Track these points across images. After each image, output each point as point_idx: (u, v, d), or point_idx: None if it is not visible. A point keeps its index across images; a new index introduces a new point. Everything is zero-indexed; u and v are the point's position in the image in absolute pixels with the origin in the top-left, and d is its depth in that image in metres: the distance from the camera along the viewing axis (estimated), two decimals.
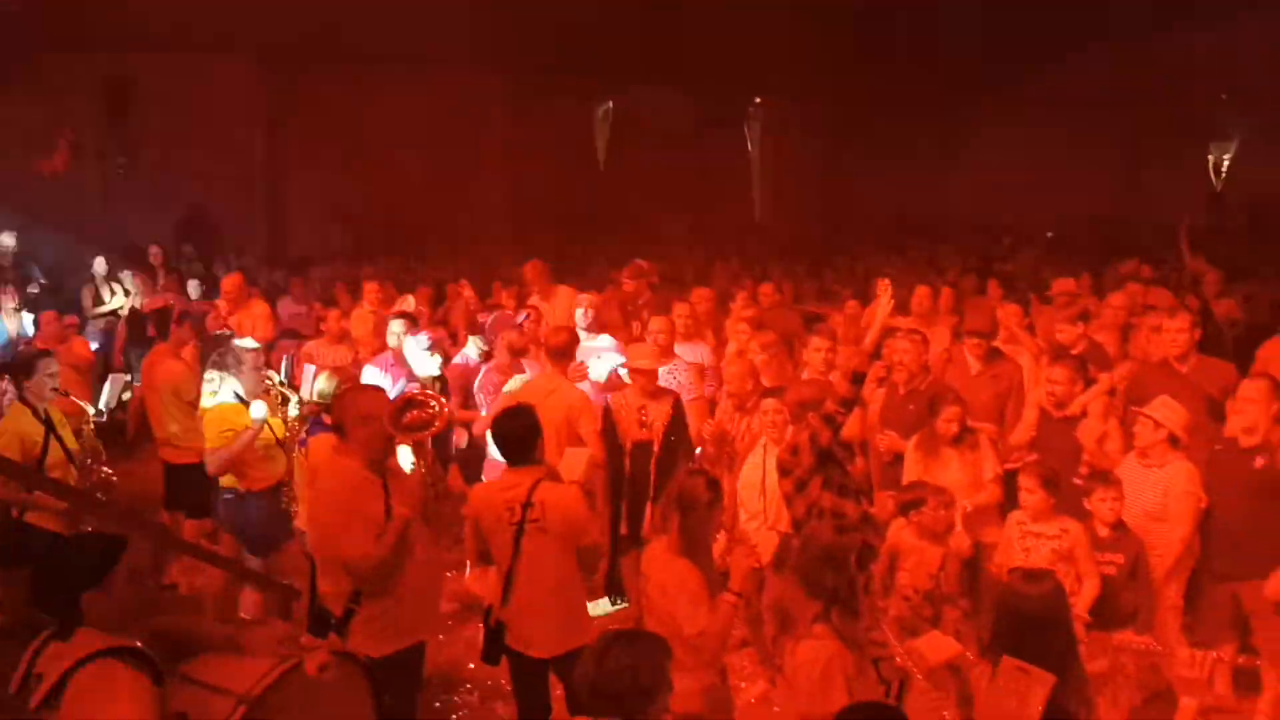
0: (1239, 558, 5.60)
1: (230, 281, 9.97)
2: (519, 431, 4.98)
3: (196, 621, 4.91)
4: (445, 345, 8.72)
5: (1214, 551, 5.73)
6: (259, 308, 10.01)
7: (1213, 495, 5.72)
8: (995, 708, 3.26)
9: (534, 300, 9.49)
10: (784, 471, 5.40)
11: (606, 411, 6.89)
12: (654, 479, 6.64)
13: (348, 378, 6.72)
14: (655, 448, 6.74)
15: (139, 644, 3.28)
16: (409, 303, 10.03)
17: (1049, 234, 18.94)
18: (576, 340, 7.21)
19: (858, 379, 5.25)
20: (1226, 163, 21.52)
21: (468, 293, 9.21)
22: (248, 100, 17.90)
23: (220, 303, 9.89)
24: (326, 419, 5.95)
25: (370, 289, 10.29)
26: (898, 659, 4.16)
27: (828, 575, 3.94)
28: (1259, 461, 5.57)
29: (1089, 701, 3.41)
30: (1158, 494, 5.74)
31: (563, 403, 6.51)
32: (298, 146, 18.38)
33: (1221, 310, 9.50)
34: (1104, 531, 5.53)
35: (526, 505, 4.83)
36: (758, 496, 6.11)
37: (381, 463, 4.83)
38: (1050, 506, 5.52)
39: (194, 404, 7.28)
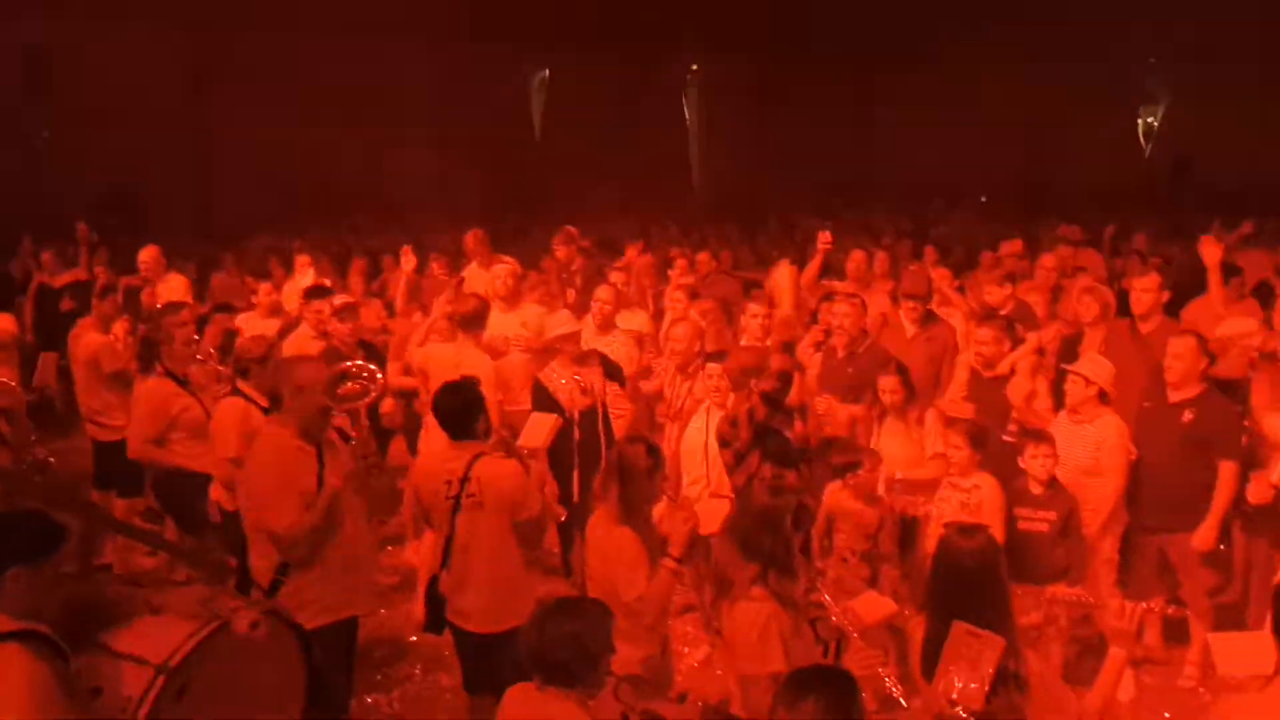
0: (1167, 511, 5.75)
1: (147, 253, 9.69)
2: (458, 406, 4.94)
3: (112, 586, 4.83)
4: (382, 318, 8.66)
5: (1143, 505, 5.86)
6: (175, 280, 9.78)
7: (1142, 450, 5.85)
8: (948, 671, 3.29)
9: (470, 270, 9.40)
10: (723, 443, 5.42)
11: (537, 385, 6.86)
12: (604, 441, 6.62)
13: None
14: (600, 410, 6.74)
15: (41, 627, 3.16)
16: (308, 275, 9.84)
17: (982, 198, 19.15)
18: (486, 308, 7.10)
19: (789, 349, 5.29)
20: (1154, 125, 21.96)
21: (409, 264, 9.08)
22: (173, 70, 17.46)
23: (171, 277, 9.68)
24: (242, 385, 5.90)
25: (302, 262, 10.12)
26: (834, 619, 4.20)
27: (764, 538, 3.95)
28: (1187, 416, 5.70)
29: (1020, 654, 3.46)
30: (1090, 449, 5.85)
31: (473, 371, 6.41)
32: (225, 117, 17.98)
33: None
34: (1037, 489, 5.63)
35: (464, 480, 4.81)
36: (700, 461, 6.12)
37: (316, 434, 4.78)
38: (973, 461, 5.61)
39: (118, 378, 7.14)
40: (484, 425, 5.02)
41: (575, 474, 6.61)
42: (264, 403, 5.69)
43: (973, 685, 3.21)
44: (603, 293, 7.66)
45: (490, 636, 4.86)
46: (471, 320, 6.85)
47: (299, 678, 4.21)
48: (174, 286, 9.46)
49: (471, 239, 9.67)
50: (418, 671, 6.14)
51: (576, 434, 6.67)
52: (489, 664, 4.90)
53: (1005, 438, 6.14)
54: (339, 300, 7.75)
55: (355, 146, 17.80)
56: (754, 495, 4.17)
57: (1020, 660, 3.42)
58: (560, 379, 6.74)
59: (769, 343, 6.89)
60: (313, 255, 10.56)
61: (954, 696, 3.25)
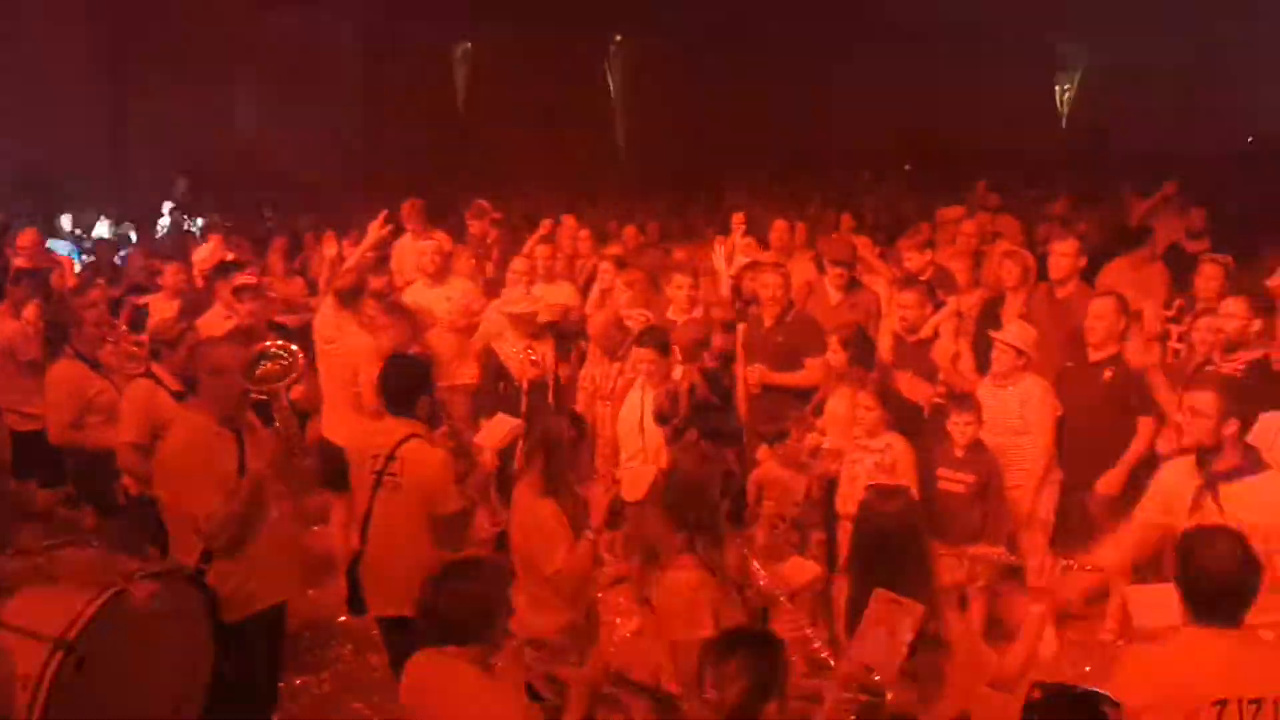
0: (1088, 467, 5.87)
1: (25, 238, 9.36)
2: (405, 381, 4.88)
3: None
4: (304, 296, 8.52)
5: (1064, 461, 5.97)
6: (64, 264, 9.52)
7: (1065, 408, 5.96)
8: (866, 637, 3.34)
9: (402, 241, 9.28)
10: (661, 418, 5.41)
11: (488, 354, 6.83)
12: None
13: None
14: (551, 383, 6.79)
15: None
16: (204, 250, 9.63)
17: (906, 166, 19.34)
18: (365, 283, 6.99)
19: (729, 327, 5.30)
20: (1071, 92, 22.37)
21: (330, 249, 8.91)
22: (81, 49, 16.92)
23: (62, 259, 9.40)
24: (155, 368, 5.74)
25: (212, 240, 9.91)
26: (762, 584, 4.23)
27: (691, 506, 3.96)
28: (1107, 374, 5.84)
29: (940, 614, 3.52)
30: (1015, 410, 5.97)
31: (345, 349, 6.34)
32: (138, 93, 17.50)
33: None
34: (959, 452, 5.73)
35: (389, 458, 4.73)
36: (637, 435, 6.13)
37: (235, 417, 4.65)
38: (883, 421, 5.67)
39: (33, 366, 6.93)
40: (427, 407, 4.91)
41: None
42: (176, 386, 5.55)
43: (890, 651, 3.26)
44: (518, 264, 7.61)
45: (408, 619, 4.81)
46: (348, 295, 6.72)
47: (205, 640, 4.15)
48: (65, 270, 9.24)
49: (408, 208, 9.54)
50: (348, 652, 6.09)
51: (524, 404, 6.68)
52: (411, 645, 4.88)
53: (936, 400, 6.24)
54: (238, 280, 7.58)
55: (274, 121, 17.45)
56: (681, 465, 4.17)
57: (941, 620, 3.48)
58: (513, 350, 6.74)
59: (711, 316, 6.91)
60: (228, 234, 10.31)
61: (871, 662, 3.30)
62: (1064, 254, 6.80)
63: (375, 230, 7.50)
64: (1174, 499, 4.22)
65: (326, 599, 6.42)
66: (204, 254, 9.22)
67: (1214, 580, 3.15)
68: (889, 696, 3.25)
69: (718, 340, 5.91)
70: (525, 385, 6.70)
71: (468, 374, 7.44)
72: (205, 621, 4.13)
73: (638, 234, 10.12)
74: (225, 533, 4.42)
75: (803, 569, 4.79)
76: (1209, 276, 6.49)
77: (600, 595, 6.55)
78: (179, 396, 5.40)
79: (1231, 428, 4.09)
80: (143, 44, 17.26)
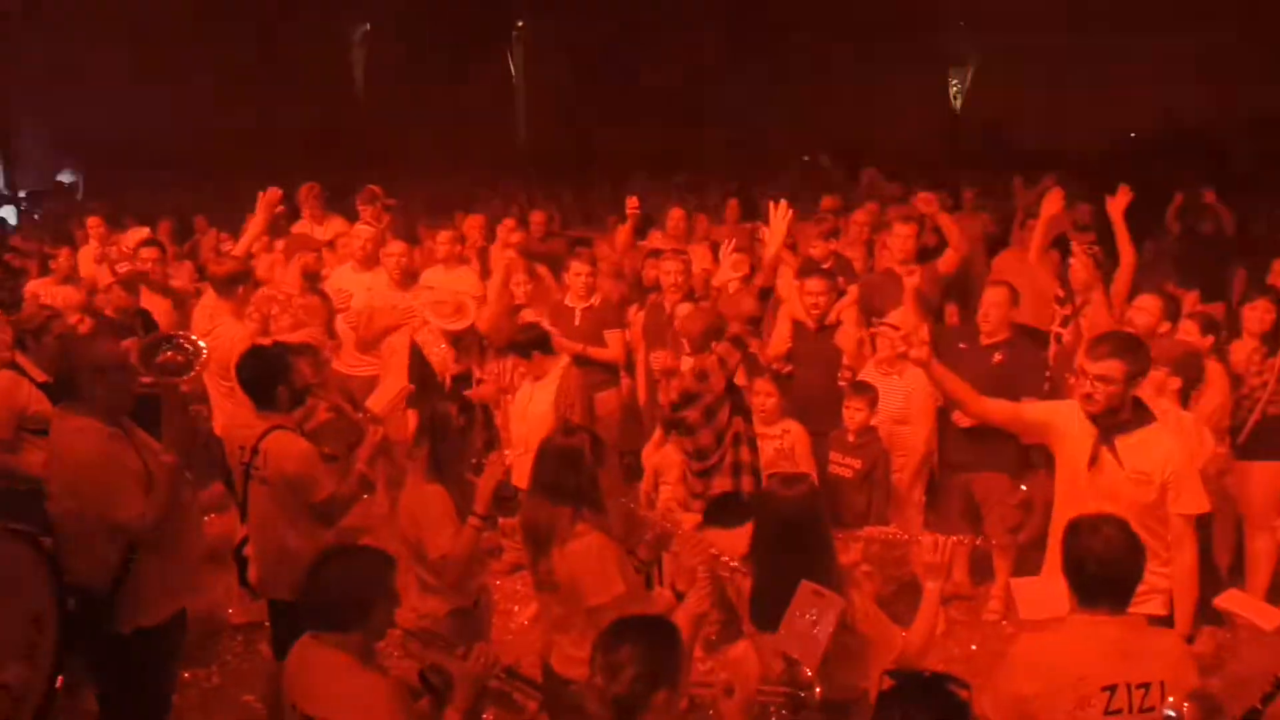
0: (973, 449, 6.02)
1: None
2: (256, 372, 4.78)
3: None
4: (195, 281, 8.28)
5: (950, 444, 6.13)
6: None
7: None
8: (789, 629, 3.37)
9: (300, 225, 9.09)
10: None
11: (414, 349, 6.79)
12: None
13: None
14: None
15: None
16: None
17: (805, 157, 19.54)
18: (246, 271, 6.82)
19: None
20: (962, 87, 22.90)
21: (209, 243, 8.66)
22: None
23: None
24: (20, 358, 5.48)
25: (94, 224, 9.60)
26: (658, 527, 4.26)
27: (567, 476, 3.93)
28: (996, 358, 5.99)
29: (850, 595, 3.57)
30: (899, 398, 6.12)
31: (220, 339, 6.20)
32: (24, 69, 16.79)
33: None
34: (851, 437, 5.85)
35: (254, 451, 4.68)
36: (523, 423, 6.21)
37: (122, 415, 4.40)
38: (780, 408, 5.74)
39: None
40: (288, 396, 4.81)
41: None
42: (41, 377, 5.32)
43: (813, 643, 3.29)
44: (394, 247, 7.50)
45: (289, 604, 4.68)
46: (224, 283, 6.54)
47: (49, 604, 4.04)
48: None
49: (305, 192, 9.35)
50: (238, 644, 5.97)
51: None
52: (292, 632, 4.81)
53: (841, 384, 6.33)
54: (122, 268, 7.34)
55: (168, 102, 16.92)
56: (548, 438, 4.15)
57: (849, 600, 3.53)
58: (437, 345, 6.70)
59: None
60: (105, 218, 9.96)
61: (795, 654, 3.33)
62: (905, 235, 7.00)
63: (266, 209, 7.18)
64: (1069, 439, 4.29)
65: (215, 589, 6.28)
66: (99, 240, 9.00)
67: (1100, 567, 3.20)
68: (817, 692, 3.29)
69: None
70: (449, 381, 6.63)
71: (373, 364, 7.35)
72: (47, 582, 4.00)
73: (545, 221, 10.03)
74: (158, 527, 4.24)
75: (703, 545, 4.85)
76: (1078, 268, 6.71)
77: (498, 582, 6.58)
78: (46, 389, 5.18)
79: (1136, 388, 4.19)
80: (26, 20, 16.56)
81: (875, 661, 3.55)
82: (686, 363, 5.55)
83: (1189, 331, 5.90)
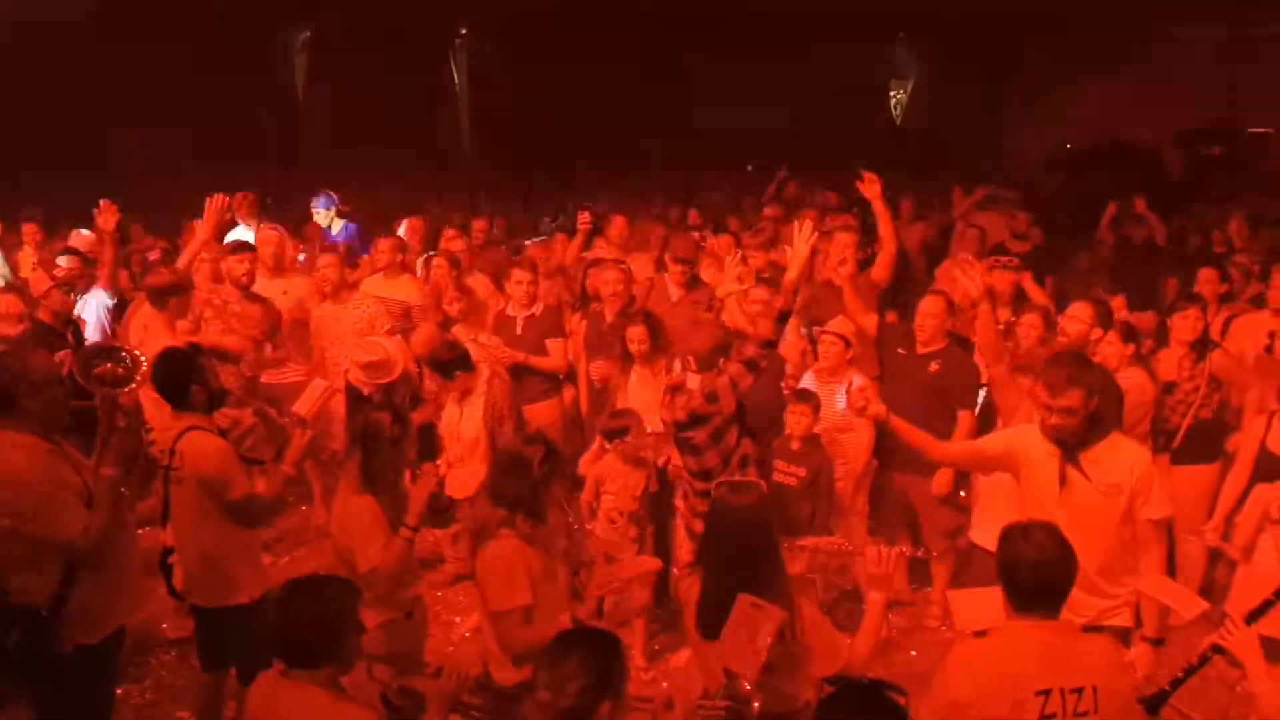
0: (911, 456, 6.06)
1: None
2: (169, 374, 4.73)
3: None
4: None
5: (889, 451, 6.16)
6: None
7: (891, 396, 6.13)
8: (728, 642, 3.38)
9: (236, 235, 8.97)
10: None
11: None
12: None
13: None
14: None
15: None
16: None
17: (749, 166, 19.66)
18: (181, 284, 6.73)
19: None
20: (904, 97, 23.21)
21: (154, 255, 8.50)
22: None
23: None
24: None
25: (29, 230, 9.44)
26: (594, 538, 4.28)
27: (511, 482, 3.99)
28: (933, 367, 6.06)
29: (793, 604, 3.60)
30: (841, 405, 6.12)
31: (151, 350, 6.13)
32: None
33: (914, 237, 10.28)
34: (795, 445, 5.87)
35: (171, 453, 4.65)
36: (456, 437, 6.24)
37: (58, 430, 4.29)
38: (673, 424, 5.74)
39: None
40: (204, 397, 4.77)
41: None
42: None
43: (752, 655, 3.29)
44: (326, 258, 7.46)
45: (211, 611, 4.74)
46: (158, 295, 6.47)
47: None
48: None
49: (239, 201, 9.25)
50: (171, 658, 5.88)
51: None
52: (214, 639, 4.81)
53: (786, 391, 6.35)
54: (59, 272, 7.21)
55: (103, 109, 16.58)
56: (500, 442, 4.19)
57: (794, 609, 3.55)
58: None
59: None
60: (40, 224, 9.76)
61: (734, 667, 3.34)
62: (846, 244, 6.99)
63: (214, 216, 7.03)
64: (1033, 464, 4.35)
65: (149, 602, 6.16)
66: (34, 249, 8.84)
67: (1033, 573, 3.24)
68: (755, 706, 3.29)
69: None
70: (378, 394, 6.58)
71: (299, 371, 7.32)
72: None
73: (487, 229, 9.99)
74: (101, 540, 4.13)
75: (642, 564, 4.87)
76: (1001, 280, 6.81)
77: (440, 594, 6.55)
78: None
79: (1095, 404, 4.25)
80: None
81: (820, 671, 3.57)
82: (693, 380, 5.40)
83: (1111, 341, 6.01)
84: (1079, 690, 3.17)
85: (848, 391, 6.01)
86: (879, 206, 7.09)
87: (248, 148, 17.69)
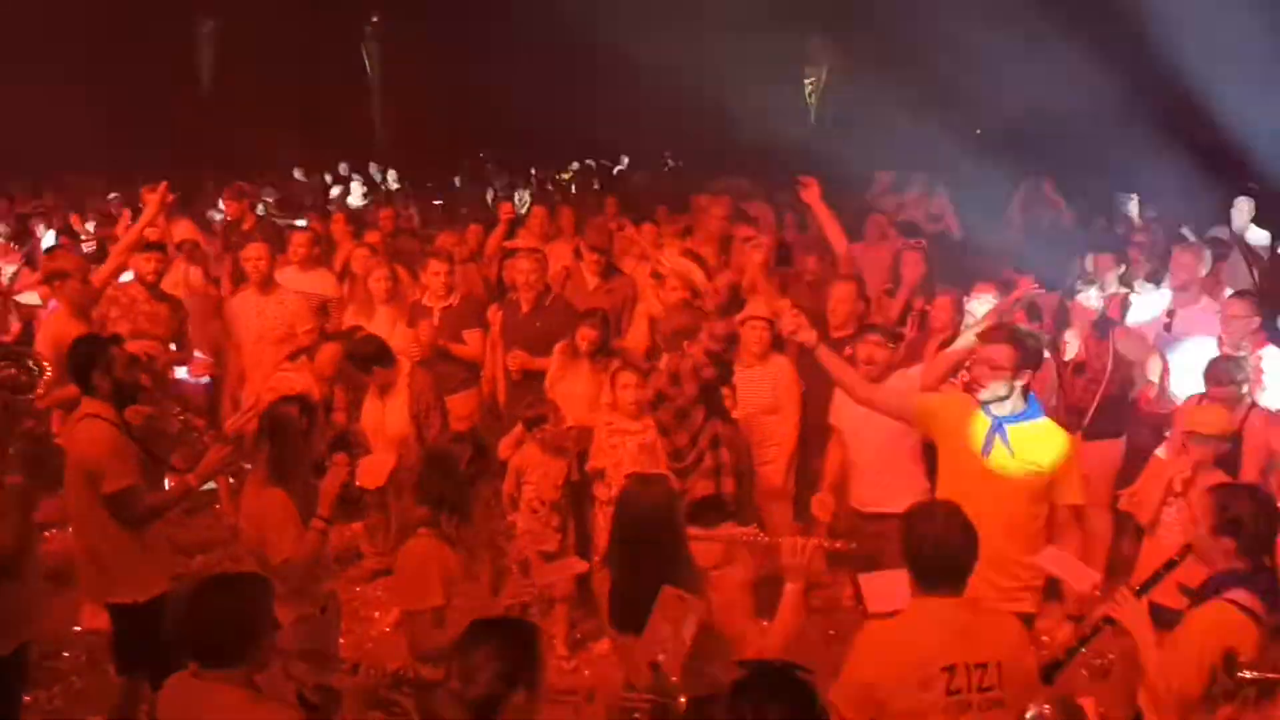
0: (821, 441, 6.13)
1: None
2: (74, 362, 4.68)
3: None
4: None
5: (809, 434, 6.19)
6: None
7: (807, 382, 6.21)
8: (652, 634, 3.38)
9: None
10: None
11: None
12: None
13: None
14: None
15: None
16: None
17: (666, 154, 19.74)
18: (79, 270, 6.63)
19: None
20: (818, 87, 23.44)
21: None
22: None
23: None
24: None
25: None
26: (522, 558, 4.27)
27: (436, 481, 3.96)
28: (848, 351, 6.11)
29: (706, 596, 3.62)
30: (768, 389, 6.18)
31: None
32: None
33: None
34: None
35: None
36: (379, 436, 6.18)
37: None
38: (641, 404, 5.74)
39: None
40: (108, 385, 4.66)
41: None
42: None
43: (676, 646, 3.32)
44: (251, 251, 7.29)
45: (111, 608, 4.66)
46: (53, 276, 6.43)
47: None
48: None
49: (147, 193, 9.01)
50: (82, 662, 5.72)
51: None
52: (117, 638, 4.72)
53: None
54: None
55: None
56: (428, 440, 4.16)
57: (706, 601, 3.57)
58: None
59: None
60: None
61: (659, 659, 3.35)
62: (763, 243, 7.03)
63: (155, 207, 6.86)
64: (960, 430, 4.39)
65: (60, 605, 6.00)
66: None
67: (936, 550, 3.30)
68: (682, 701, 3.31)
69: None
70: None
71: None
72: None
73: (393, 218, 9.88)
74: (13, 551, 4.05)
75: (568, 566, 4.87)
76: (910, 263, 6.92)
77: (358, 589, 6.48)
78: None
79: (1025, 378, 4.35)
80: None
81: (736, 657, 3.59)
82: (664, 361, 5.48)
83: (1018, 320, 6.13)
84: (984, 665, 3.24)
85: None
86: (821, 210, 7.06)
87: (156, 136, 17.25)
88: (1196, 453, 4.90)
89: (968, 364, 4.52)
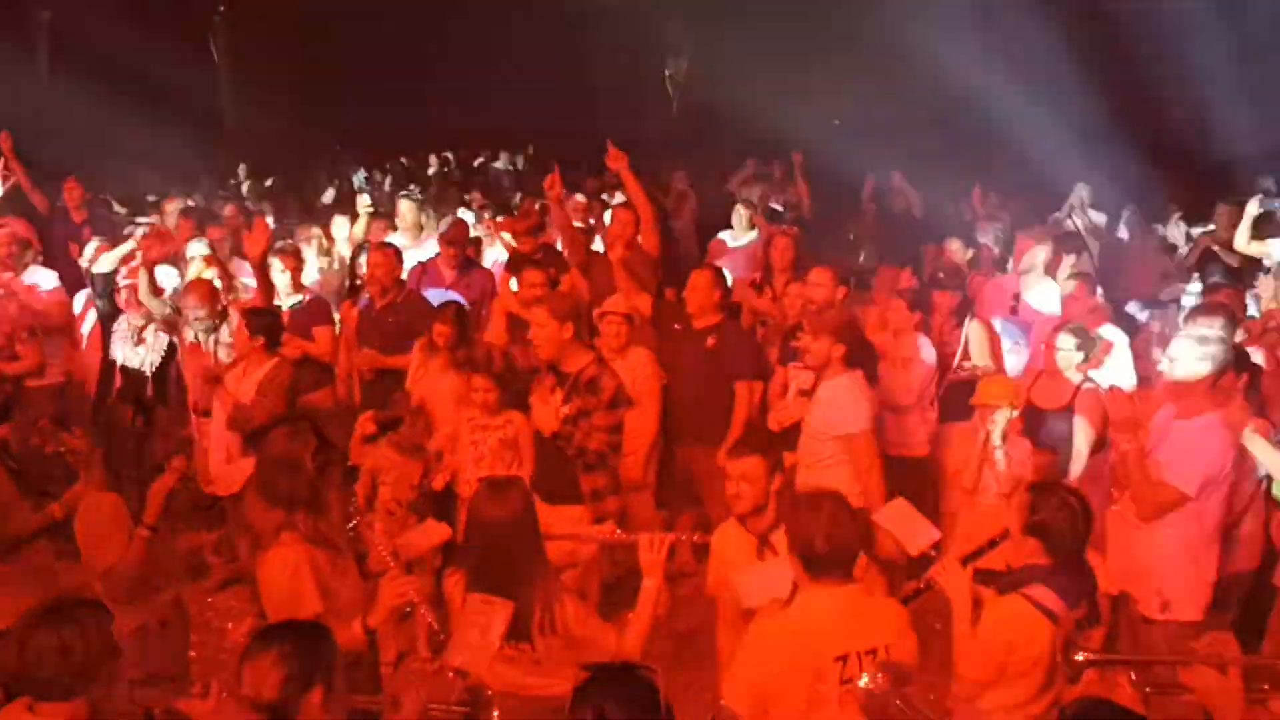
0: (691, 427, 6.17)
1: None
2: None
3: None
4: None
5: (672, 423, 6.24)
6: None
7: (670, 370, 6.23)
8: (459, 640, 3.34)
9: None
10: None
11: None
12: None
13: None
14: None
15: None
16: None
17: (529, 147, 19.56)
18: None
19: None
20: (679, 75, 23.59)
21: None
22: None
23: None
24: None
25: None
26: (381, 549, 4.12)
27: (283, 480, 3.80)
28: (710, 341, 6.15)
29: (560, 598, 3.59)
30: (626, 381, 6.09)
31: None
32: None
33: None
34: None
35: None
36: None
37: None
38: (499, 401, 5.67)
39: None
40: None
41: None
42: None
43: (481, 650, 3.29)
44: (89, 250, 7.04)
45: None
46: None
47: None
48: None
49: None
50: None
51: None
52: None
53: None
54: None
55: None
56: (270, 441, 3.98)
57: (559, 603, 3.57)
58: None
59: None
60: None
61: (464, 665, 3.32)
62: (625, 222, 7.13)
63: None
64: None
65: None
66: None
67: (825, 540, 3.30)
68: (495, 715, 3.28)
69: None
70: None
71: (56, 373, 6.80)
72: None
73: (237, 214, 9.54)
74: None
75: (434, 532, 4.74)
76: (780, 249, 7.00)
77: (210, 599, 6.24)
78: None
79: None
80: None
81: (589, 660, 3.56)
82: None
83: (897, 309, 6.27)
84: (873, 651, 3.27)
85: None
86: (626, 176, 7.11)
87: None
88: (988, 421, 5.19)
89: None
